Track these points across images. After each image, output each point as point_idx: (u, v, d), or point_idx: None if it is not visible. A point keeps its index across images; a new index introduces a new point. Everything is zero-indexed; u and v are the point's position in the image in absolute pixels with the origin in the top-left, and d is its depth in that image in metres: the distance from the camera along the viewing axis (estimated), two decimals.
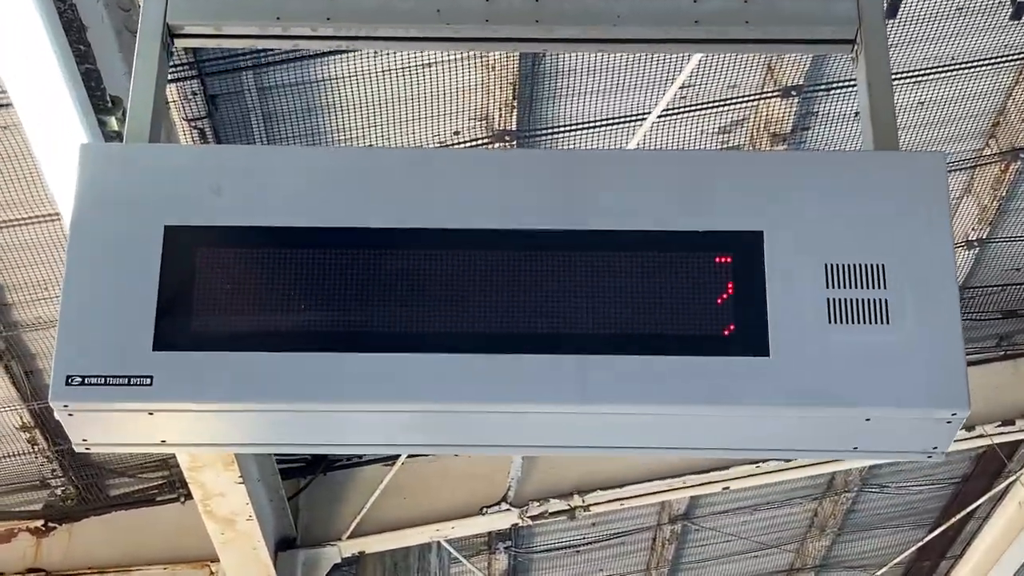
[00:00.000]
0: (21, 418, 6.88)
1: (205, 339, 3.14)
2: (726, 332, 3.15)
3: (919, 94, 6.34)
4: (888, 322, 3.17)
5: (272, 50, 5.34)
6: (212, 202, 3.27)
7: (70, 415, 3.15)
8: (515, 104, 5.83)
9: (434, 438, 3.34)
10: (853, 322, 3.17)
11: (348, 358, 3.14)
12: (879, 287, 3.19)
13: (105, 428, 3.20)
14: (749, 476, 7.96)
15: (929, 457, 3.27)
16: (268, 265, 3.21)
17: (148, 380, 3.11)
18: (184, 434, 3.26)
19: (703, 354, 3.14)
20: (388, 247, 3.23)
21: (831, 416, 3.16)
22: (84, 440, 3.25)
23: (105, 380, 3.11)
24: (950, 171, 6.45)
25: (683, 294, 3.18)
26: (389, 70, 5.62)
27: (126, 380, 3.11)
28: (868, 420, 3.15)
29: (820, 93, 6.24)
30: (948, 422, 3.14)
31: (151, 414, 3.14)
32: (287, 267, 3.21)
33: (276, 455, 7.13)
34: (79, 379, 3.11)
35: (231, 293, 3.18)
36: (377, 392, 3.14)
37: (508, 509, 7.85)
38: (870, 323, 3.17)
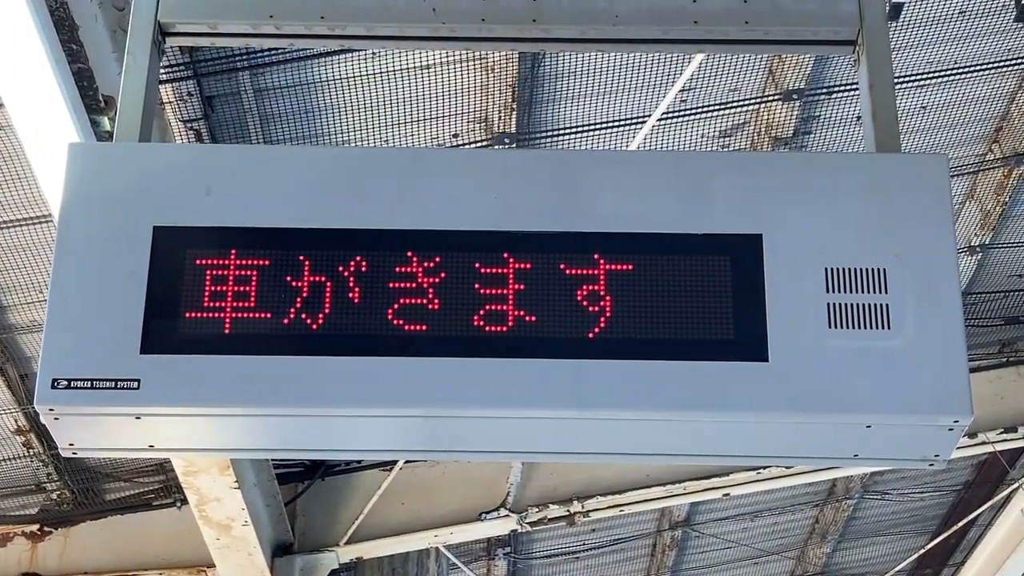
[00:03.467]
0: (16, 422, 6.84)
1: (194, 342, 3.09)
2: (724, 337, 3.10)
3: (921, 98, 6.29)
4: (889, 327, 3.12)
5: (269, 51, 5.30)
6: (202, 203, 3.22)
7: (56, 419, 3.10)
8: (514, 106, 5.78)
9: (429, 444, 3.29)
10: (854, 327, 3.12)
11: (339, 362, 3.10)
12: (880, 292, 3.15)
13: (92, 432, 3.15)
14: (749, 483, 7.90)
15: (931, 465, 3.22)
16: (258, 267, 3.16)
17: (135, 384, 3.06)
18: (172, 439, 3.21)
19: (701, 359, 3.10)
20: (381, 249, 3.18)
21: (831, 423, 3.11)
22: (71, 444, 3.19)
23: (91, 383, 3.06)
24: (952, 176, 6.40)
25: (681, 298, 3.13)
26: (387, 72, 5.58)
27: (113, 383, 3.06)
28: (869, 427, 3.10)
29: (822, 96, 6.19)
30: (950, 429, 3.10)
31: (138, 418, 3.09)
32: (278, 269, 3.16)
33: (273, 459, 7.08)
34: (65, 382, 3.06)
35: (220, 295, 3.13)
36: (370, 397, 3.09)
37: (507, 515, 7.80)
38: (871, 328, 3.12)
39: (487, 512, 7.80)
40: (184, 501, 6.98)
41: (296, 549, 7.56)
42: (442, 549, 8.21)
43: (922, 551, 9.71)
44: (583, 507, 7.88)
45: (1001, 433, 8.11)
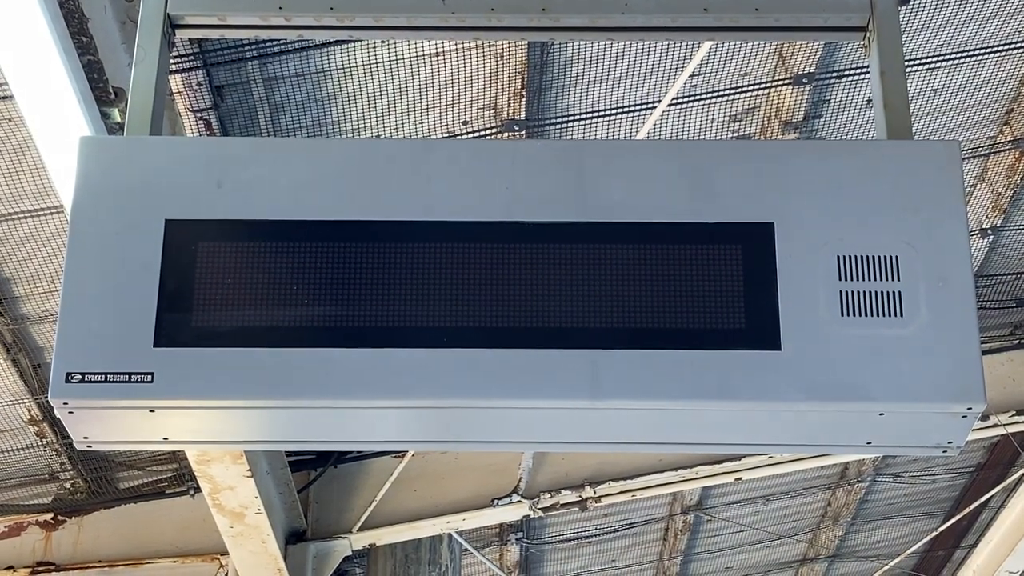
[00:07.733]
0: (29, 411, 6.86)
1: (207, 335, 3.09)
2: (736, 325, 3.10)
3: (932, 81, 6.27)
4: (901, 315, 3.12)
5: (278, 40, 5.29)
6: (214, 196, 3.22)
7: (70, 413, 3.10)
8: (524, 93, 5.78)
9: (441, 435, 3.29)
10: (866, 315, 3.12)
11: (353, 354, 3.10)
12: (892, 279, 3.14)
13: (106, 426, 3.16)
14: (762, 467, 7.91)
15: (944, 452, 3.22)
16: (271, 260, 3.16)
17: (149, 377, 3.06)
18: (186, 432, 3.21)
19: (714, 348, 3.09)
20: (395, 241, 3.18)
21: (844, 411, 3.11)
22: (85, 438, 3.20)
23: (105, 377, 3.06)
24: (963, 159, 6.38)
25: (693, 287, 3.13)
26: (397, 59, 5.58)
27: (127, 377, 3.06)
28: (882, 415, 3.10)
29: (832, 80, 6.18)
30: (963, 416, 3.09)
31: (152, 411, 3.10)
32: (290, 261, 3.16)
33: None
34: (79, 376, 3.06)
35: (233, 288, 3.13)
36: (383, 388, 3.09)
37: (519, 501, 7.82)
38: (883, 316, 3.11)
39: (499, 498, 7.82)
40: (197, 489, 7.00)
41: (309, 536, 7.59)
42: (454, 535, 8.23)
43: (934, 533, 9.71)
44: (595, 492, 7.89)
45: (1013, 415, 8.10)
